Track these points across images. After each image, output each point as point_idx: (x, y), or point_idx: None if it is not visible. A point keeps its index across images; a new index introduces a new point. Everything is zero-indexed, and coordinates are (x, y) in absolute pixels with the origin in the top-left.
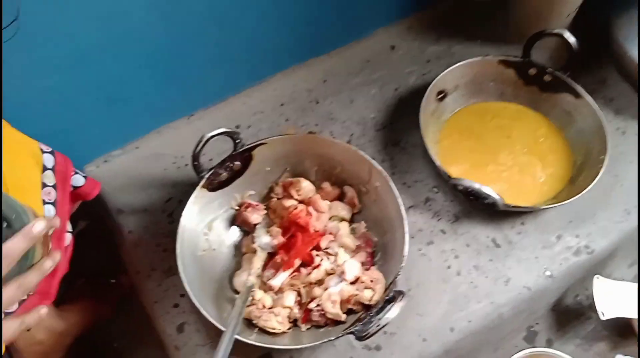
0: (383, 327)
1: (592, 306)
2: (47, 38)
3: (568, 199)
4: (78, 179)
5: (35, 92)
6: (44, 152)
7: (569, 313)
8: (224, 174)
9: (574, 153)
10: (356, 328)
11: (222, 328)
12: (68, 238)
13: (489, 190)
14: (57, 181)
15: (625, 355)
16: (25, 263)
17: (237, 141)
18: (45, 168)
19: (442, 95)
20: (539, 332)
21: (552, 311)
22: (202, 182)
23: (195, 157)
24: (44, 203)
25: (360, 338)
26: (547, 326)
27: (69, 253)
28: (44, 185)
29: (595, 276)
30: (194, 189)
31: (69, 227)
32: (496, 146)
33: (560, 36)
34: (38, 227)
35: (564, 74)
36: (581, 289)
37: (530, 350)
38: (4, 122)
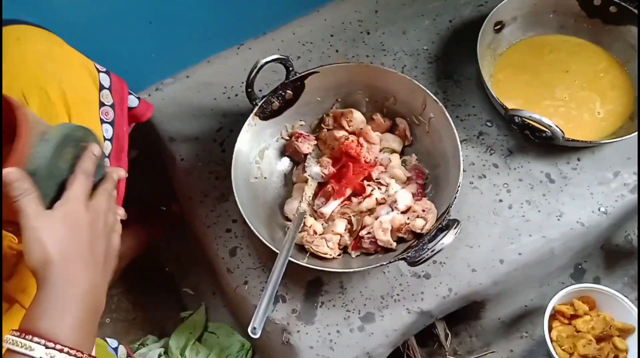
0: (437, 252)
1: None
2: None
3: (627, 135)
4: (132, 100)
5: (89, 13)
6: (99, 71)
7: (618, 251)
8: (276, 103)
9: (635, 88)
10: (408, 254)
11: (276, 251)
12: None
13: (550, 121)
14: (115, 101)
15: None
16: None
17: (289, 69)
18: (102, 87)
19: (499, 26)
20: (587, 269)
21: (600, 250)
22: (255, 110)
23: (250, 84)
24: (102, 122)
25: (412, 263)
26: (595, 264)
27: (121, 190)
28: (102, 104)
29: None
30: (244, 118)
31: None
32: (553, 80)
33: None
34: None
35: (631, 5)
36: (632, 228)
37: (578, 286)
38: (59, 39)
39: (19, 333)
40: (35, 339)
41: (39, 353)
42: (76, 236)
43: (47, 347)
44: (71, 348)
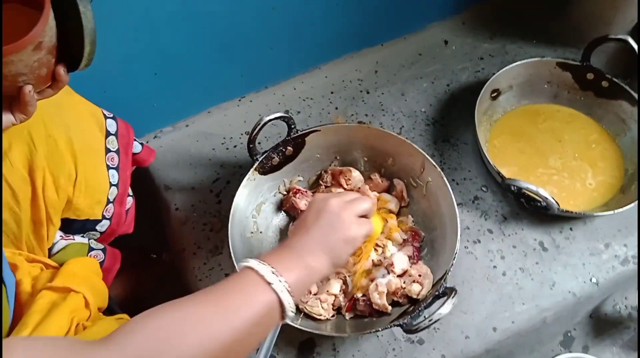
0: (435, 322)
1: (630, 316)
2: (120, 5)
3: (619, 207)
4: (136, 146)
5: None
6: (106, 118)
7: (607, 321)
8: (276, 159)
9: (626, 161)
10: (404, 321)
11: None
12: (129, 201)
13: (546, 193)
14: (120, 146)
15: None
16: None
17: (291, 127)
18: (108, 133)
19: (496, 94)
20: (576, 337)
21: (590, 318)
22: (255, 165)
23: (252, 139)
24: (108, 168)
25: (409, 331)
26: (585, 332)
27: (131, 214)
28: (108, 150)
29: None
30: (242, 170)
31: (129, 191)
32: (547, 149)
33: (624, 42)
34: None
35: (622, 81)
36: (621, 298)
37: (568, 356)
38: (68, 88)
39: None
40: (273, 268)
41: (272, 279)
42: (335, 233)
43: (279, 278)
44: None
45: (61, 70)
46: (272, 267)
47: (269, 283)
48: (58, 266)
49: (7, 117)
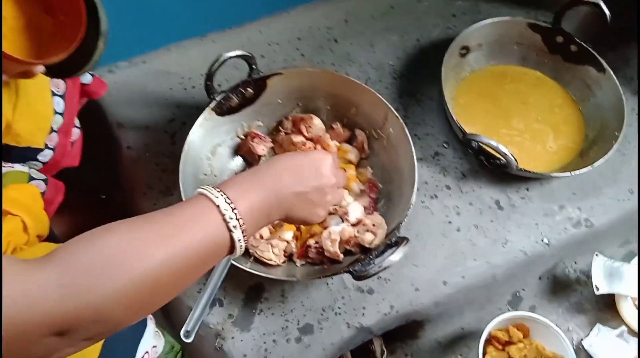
0: (384, 269)
1: (578, 280)
2: None
3: (576, 170)
4: (86, 77)
5: None
6: None
7: (555, 283)
8: (235, 100)
9: (587, 127)
10: (355, 267)
11: None
12: (76, 132)
13: (505, 149)
14: None
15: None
16: None
17: (253, 67)
18: None
19: (465, 51)
20: (524, 298)
21: (539, 280)
22: (212, 104)
23: (210, 76)
24: (53, 94)
25: (358, 277)
26: (533, 293)
27: (77, 147)
28: None
29: (595, 253)
30: (200, 112)
31: (76, 122)
32: (511, 110)
33: (597, 6)
34: None
35: (591, 46)
36: (570, 262)
37: (515, 313)
38: None
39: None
40: (224, 194)
41: (220, 203)
42: (306, 166)
43: (229, 205)
44: (240, 219)
45: None
46: (227, 196)
47: (222, 215)
48: None
49: None
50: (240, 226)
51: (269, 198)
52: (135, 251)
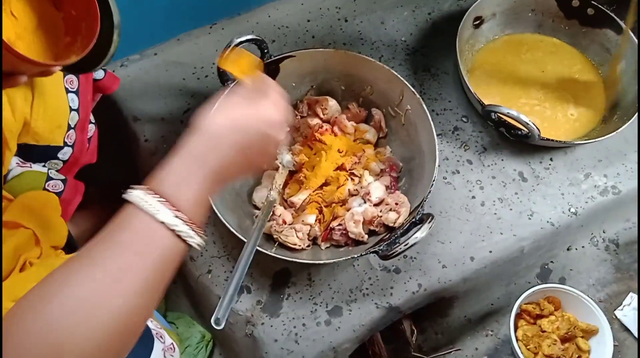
0: (411, 246)
1: (607, 249)
2: None
3: (600, 137)
4: (98, 73)
5: None
6: None
7: (585, 253)
8: None
9: (608, 91)
10: (380, 247)
11: (243, 239)
12: (92, 128)
13: (527, 119)
14: None
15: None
16: None
17: (264, 52)
18: None
19: (478, 22)
20: (553, 270)
21: (567, 251)
22: (227, 91)
23: None
24: (67, 91)
25: (384, 257)
26: (561, 265)
27: (93, 143)
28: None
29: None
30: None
31: (91, 118)
32: (529, 79)
33: None
34: None
35: (608, 8)
36: (598, 231)
37: (545, 286)
38: None
39: (147, 189)
40: (162, 200)
41: (164, 217)
42: (242, 127)
43: (173, 213)
44: (193, 223)
45: None
46: (166, 199)
47: (170, 230)
48: (12, 198)
49: None
50: (189, 224)
51: (210, 179)
52: (94, 306)
